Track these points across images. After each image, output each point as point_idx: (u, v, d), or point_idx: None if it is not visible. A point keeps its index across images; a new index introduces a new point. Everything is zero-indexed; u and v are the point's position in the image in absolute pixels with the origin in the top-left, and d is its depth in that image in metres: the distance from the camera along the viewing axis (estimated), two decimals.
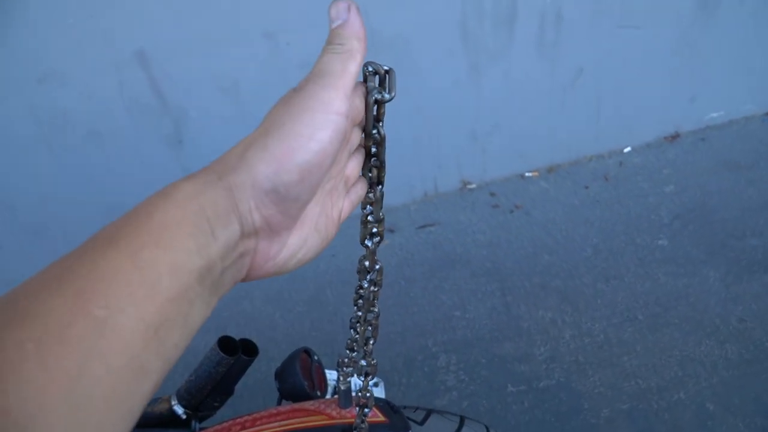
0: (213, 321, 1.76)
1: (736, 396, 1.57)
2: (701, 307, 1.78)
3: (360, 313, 0.59)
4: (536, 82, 1.99)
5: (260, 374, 1.68)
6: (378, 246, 0.49)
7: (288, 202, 0.34)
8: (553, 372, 1.68)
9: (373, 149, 0.43)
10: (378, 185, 0.45)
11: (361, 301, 0.58)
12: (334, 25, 0.36)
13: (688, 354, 1.68)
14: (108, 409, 0.24)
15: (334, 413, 0.82)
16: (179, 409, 0.99)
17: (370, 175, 0.44)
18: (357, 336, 0.64)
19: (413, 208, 2.16)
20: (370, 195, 0.45)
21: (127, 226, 0.28)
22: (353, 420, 0.79)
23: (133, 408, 0.26)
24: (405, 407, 0.91)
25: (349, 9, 0.36)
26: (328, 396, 1.04)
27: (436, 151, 2.06)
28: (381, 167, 0.44)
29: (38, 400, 0.22)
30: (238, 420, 0.85)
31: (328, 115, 0.33)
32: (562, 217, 2.08)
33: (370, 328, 0.59)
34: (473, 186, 2.20)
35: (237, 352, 0.97)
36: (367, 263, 0.51)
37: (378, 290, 0.54)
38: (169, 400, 1.00)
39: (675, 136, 2.27)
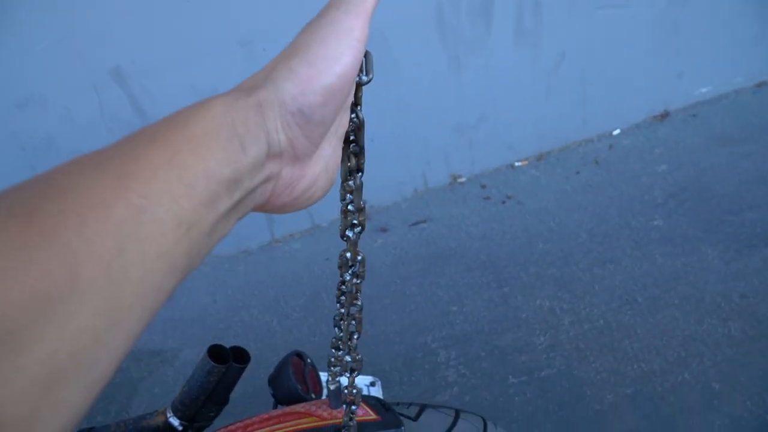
0: (210, 332, 1.76)
1: (741, 374, 1.54)
2: (701, 286, 1.75)
3: (343, 310, 0.58)
4: (518, 70, 1.97)
5: (259, 382, 1.67)
6: (359, 236, 0.48)
7: (312, 125, 0.35)
8: (554, 360, 1.66)
9: (352, 136, 0.42)
10: (358, 173, 0.44)
11: (343, 297, 0.56)
12: None
13: (690, 334, 1.65)
14: (139, 295, 0.25)
15: (325, 414, 0.81)
16: (175, 421, 0.98)
17: (348, 164, 0.43)
18: (341, 333, 0.63)
19: (404, 206, 2.15)
20: (350, 183, 0.44)
21: (164, 130, 0.29)
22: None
23: (159, 301, 0.27)
24: (398, 403, 0.90)
25: None
26: (324, 398, 1.03)
27: (423, 147, 2.04)
28: (360, 153, 0.42)
29: (77, 270, 0.22)
30: (230, 427, 0.84)
31: (351, 41, 0.35)
32: (555, 204, 2.06)
33: (354, 322, 0.57)
34: (463, 179, 2.18)
35: (228, 360, 0.96)
36: (348, 255, 0.49)
37: (360, 283, 0.52)
38: (165, 413, 0.99)
39: (664, 115, 2.25)
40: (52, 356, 0.21)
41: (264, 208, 0.37)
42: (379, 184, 2.04)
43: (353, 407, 0.69)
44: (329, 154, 0.40)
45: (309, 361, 1.08)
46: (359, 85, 0.40)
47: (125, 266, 0.24)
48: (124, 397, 1.81)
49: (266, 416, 0.84)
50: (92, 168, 0.25)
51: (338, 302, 0.58)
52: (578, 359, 1.65)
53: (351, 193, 0.45)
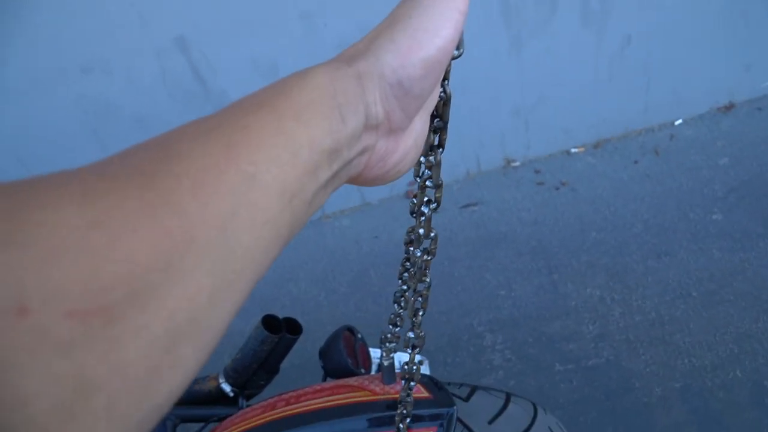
0: (258, 303, 1.79)
1: None
2: (759, 283, 1.70)
3: (405, 287, 0.57)
4: (581, 53, 1.92)
5: (306, 354, 1.70)
6: (433, 213, 0.47)
7: (410, 98, 0.34)
8: (602, 350, 1.64)
9: (435, 111, 0.41)
10: (439, 148, 0.43)
11: (406, 274, 0.56)
12: None
13: (744, 331, 1.61)
14: (249, 260, 0.25)
15: (377, 389, 0.81)
16: (227, 387, 1.00)
17: (430, 141, 0.42)
18: (401, 310, 0.63)
19: (456, 188, 2.14)
20: (431, 158, 0.43)
21: (269, 98, 0.29)
22: (397, 396, 0.79)
23: (264, 268, 0.27)
24: (450, 383, 0.90)
25: None
26: (372, 373, 1.03)
27: (478, 128, 2.02)
28: (443, 129, 0.41)
29: (193, 232, 0.22)
30: (283, 396, 0.85)
31: (453, 13, 0.34)
32: (610, 193, 2.02)
33: (420, 299, 0.57)
34: (517, 163, 2.16)
35: (281, 330, 0.97)
36: (422, 231, 0.49)
37: (431, 259, 0.52)
38: (216, 378, 1.02)
39: (729, 107, 2.18)
40: (172, 315, 0.22)
41: (357, 180, 0.37)
42: None
43: (412, 383, 0.69)
44: (420, 128, 0.39)
45: (359, 336, 1.08)
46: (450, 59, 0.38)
47: (236, 230, 0.24)
48: None
49: (319, 387, 0.85)
50: (204, 134, 0.26)
51: (400, 279, 0.57)
52: (628, 350, 1.63)
53: (430, 168, 0.44)
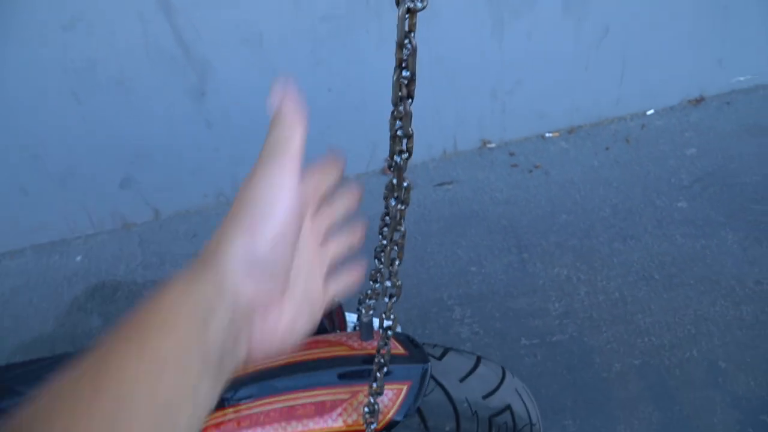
0: None
1: (748, 355, 1.58)
2: (718, 269, 1.78)
3: (384, 242, 0.60)
4: (561, 41, 1.96)
5: None
6: (407, 163, 0.49)
7: (268, 273, 0.38)
8: (566, 327, 1.69)
9: (404, 63, 0.42)
10: (408, 99, 0.44)
11: (386, 229, 0.58)
12: (274, 105, 0.40)
13: (702, 313, 1.68)
14: None
15: (355, 345, 0.84)
16: None
17: (399, 93, 0.43)
18: (381, 266, 0.65)
19: (432, 166, 2.17)
20: (401, 109, 0.44)
21: (135, 323, 0.33)
22: (374, 352, 0.81)
23: None
24: (424, 344, 0.93)
25: (285, 88, 0.40)
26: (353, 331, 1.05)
27: (456, 109, 2.05)
28: (411, 80, 0.43)
29: None
30: None
31: (283, 191, 0.38)
32: (581, 177, 2.07)
33: (396, 248, 0.59)
34: (493, 145, 2.20)
35: None
36: (395, 181, 0.51)
37: (405, 209, 0.54)
38: None
39: (699, 100, 2.25)
40: None
41: (251, 358, 0.39)
42: None
43: (389, 333, 0.71)
44: (303, 285, 0.43)
45: (336, 299, 1.11)
46: (414, 12, 0.39)
47: None
48: None
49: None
50: (72, 390, 0.29)
51: (380, 233, 0.60)
52: (590, 328, 1.69)
53: (401, 119, 0.45)
